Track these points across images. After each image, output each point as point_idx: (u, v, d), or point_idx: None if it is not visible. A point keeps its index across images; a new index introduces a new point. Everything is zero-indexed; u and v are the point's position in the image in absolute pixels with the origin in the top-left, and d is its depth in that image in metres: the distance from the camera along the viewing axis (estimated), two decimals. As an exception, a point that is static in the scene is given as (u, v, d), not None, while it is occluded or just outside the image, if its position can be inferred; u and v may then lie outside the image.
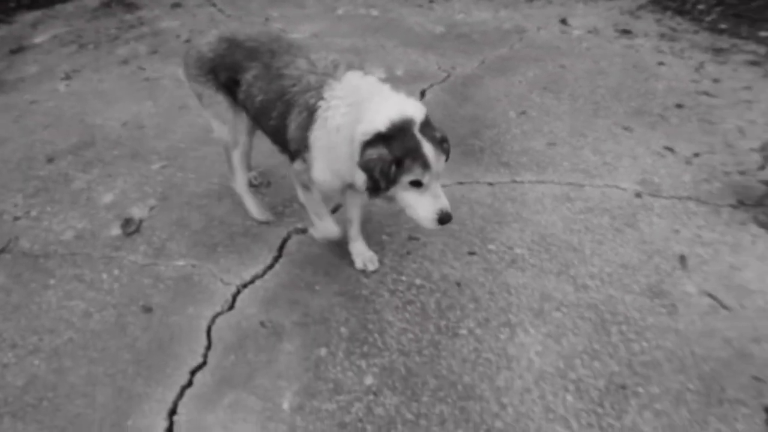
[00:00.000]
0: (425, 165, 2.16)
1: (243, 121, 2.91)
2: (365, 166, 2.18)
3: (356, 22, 6.09)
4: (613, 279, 2.88)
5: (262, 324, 2.65)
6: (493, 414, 2.29)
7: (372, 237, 3.11)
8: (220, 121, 2.93)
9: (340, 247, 3.04)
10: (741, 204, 3.42)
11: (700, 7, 6.96)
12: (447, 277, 2.88)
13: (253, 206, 3.21)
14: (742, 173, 3.68)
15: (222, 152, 3.10)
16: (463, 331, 2.62)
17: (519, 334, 2.61)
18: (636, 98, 4.53)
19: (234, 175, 3.12)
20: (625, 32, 5.98)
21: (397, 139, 2.15)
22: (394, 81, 3.50)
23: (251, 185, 3.42)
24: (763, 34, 6.13)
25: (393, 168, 2.15)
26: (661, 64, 5.17)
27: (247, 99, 2.68)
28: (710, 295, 2.81)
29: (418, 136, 2.16)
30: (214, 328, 2.65)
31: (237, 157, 3.05)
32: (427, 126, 2.21)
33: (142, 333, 2.65)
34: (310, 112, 2.39)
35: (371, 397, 2.35)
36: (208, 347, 2.57)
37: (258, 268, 2.95)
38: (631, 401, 2.34)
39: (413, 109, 2.21)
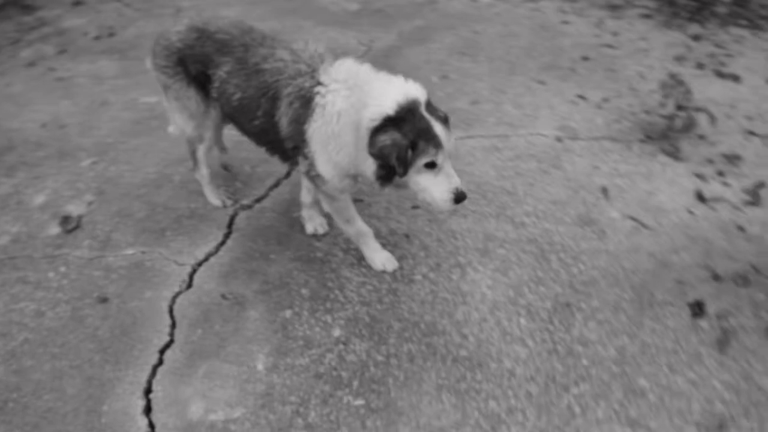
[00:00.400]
0: (438, 145, 2.09)
1: (212, 117, 2.78)
2: (379, 154, 2.09)
3: (271, 5, 6.09)
4: (546, 214, 3.13)
5: (223, 296, 2.70)
6: (457, 344, 2.46)
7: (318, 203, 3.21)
8: (186, 116, 2.79)
9: (287, 217, 3.12)
10: (648, 138, 3.76)
11: (592, -31, 7.40)
12: (395, 231, 3.03)
13: (212, 195, 3.20)
14: (646, 112, 4.04)
15: (169, 143, 3.08)
16: (418, 277, 2.78)
17: (469, 272, 2.79)
18: (546, 55, 4.83)
19: (198, 168, 3.09)
20: (529, -4, 6.31)
21: (407, 121, 2.07)
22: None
23: (226, 170, 3.40)
24: (650, -11, 6.62)
25: (410, 153, 2.06)
26: (565, 23, 5.51)
27: (221, 97, 2.55)
28: (632, 218, 3.11)
29: (427, 116, 2.10)
30: (175, 308, 2.67)
31: (202, 151, 2.98)
32: (430, 105, 2.16)
33: (102, 322, 2.63)
34: (305, 101, 2.26)
35: (341, 346, 2.46)
36: (173, 326, 2.59)
37: (210, 246, 2.98)
38: (577, 316, 2.58)
39: (416, 90, 2.15)
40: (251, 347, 2.47)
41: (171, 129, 3.08)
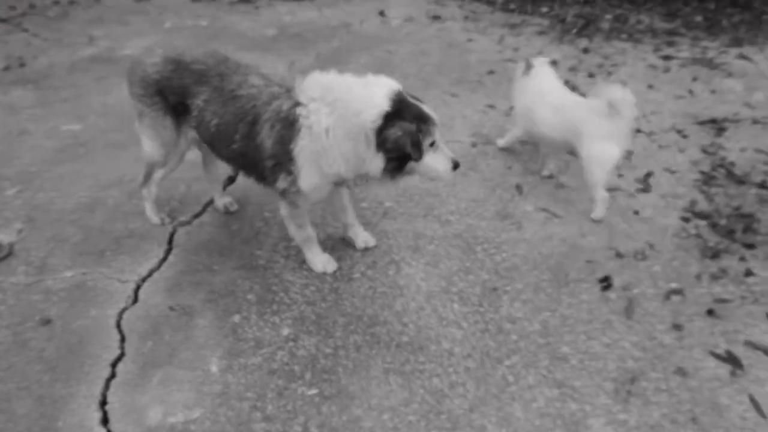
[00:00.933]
0: (434, 123, 2.30)
1: (181, 147, 2.88)
2: (395, 147, 2.22)
3: (187, 33, 6.17)
4: (468, 211, 3.42)
5: (171, 308, 2.78)
6: (399, 332, 2.67)
7: (256, 216, 3.36)
8: (158, 144, 2.85)
9: (227, 230, 3.24)
10: (553, 140, 4.17)
11: (491, -8, 8.00)
12: (332, 236, 3.21)
13: (152, 212, 3.24)
14: (549, 117, 4.46)
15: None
16: (357, 275, 2.97)
17: (404, 267, 3.02)
18: (456, 70, 5.22)
19: (147, 185, 3.13)
20: (436, 18, 6.73)
21: (404, 111, 2.23)
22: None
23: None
24: (544, 9, 7.25)
25: (421, 137, 2.23)
26: (470, 40, 5.95)
27: (200, 125, 2.63)
28: (544, 210, 3.46)
29: (413, 101, 2.28)
30: (123, 323, 2.72)
31: (160, 174, 3.05)
32: (406, 92, 2.34)
33: (47, 343, 2.64)
34: (288, 122, 2.36)
35: (291, 343, 2.61)
36: (122, 340, 2.64)
37: (152, 263, 3.04)
38: (503, 297, 2.86)
39: (392, 82, 2.32)
40: (203, 352, 2.57)
41: (145, 152, 3.07)
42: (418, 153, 2.28)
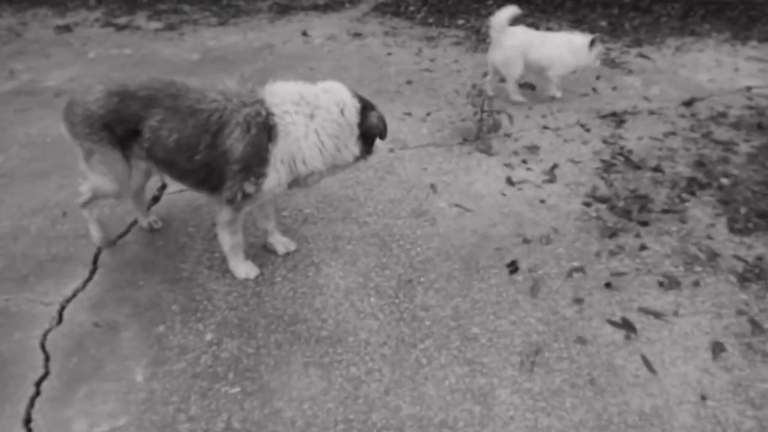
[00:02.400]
0: None
1: (136, 177, 2.95)
2: (376, 131, 2.80)
3: (111, 62, 6.21)
4: (385, 212, 3.60)
5: (95, 324, 2.83)
6: (318, 328, 2.80)
7: (180, 231, 3.44)
8: (111, 178, 2.88)
9: (151, 248, 3.31)
10: (465, 141, 4.43)
11: (411, 8, 8.34)
12: (254, 244, 3.33)
13: (96, 231, 3.23)
14: (462, 120, 4.73)
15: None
16: (278, 279, 3.10)
17: (323, 268, 3.17)
18: (375, 82, 5.44)
19: (89, 208, 3.16)
20: (357, 35, 6.98)
21: (364, 102, 2.78)
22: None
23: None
24: (460, 22, 7.61)
25: None
26: (389, 54, 6.21)
27: (155, 145, 2.70)
28: (456, 205, 3.68)
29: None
30: (47, 343, 2.75)
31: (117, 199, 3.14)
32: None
33: (-31, 370, 2.65)
34: (263, 127, 2.61)
35: (214, 347, 2.70)
36: (47, 359, 2.67)
37: (77, 283, 3.08)
38: (417, 288, 3.03)
39: (339, 83, 2.80)
40: (128, 363, 2.63)
41: (86, 188, 3.08)
42: (386, 132, 2.86)
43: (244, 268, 3.08)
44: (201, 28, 7.39)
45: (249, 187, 2.72)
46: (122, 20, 8.17)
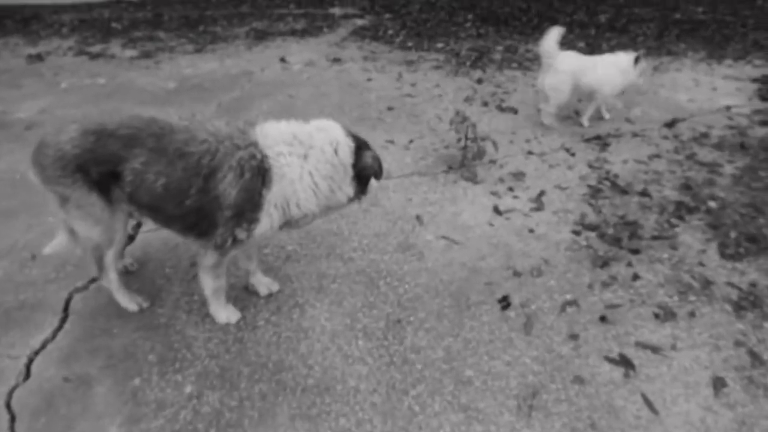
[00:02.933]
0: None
1: (119, 218, 2.73)
2: (371, 171, 2.67)
3: (84, 92, 6.05)
4: (371, 247, 3.48)
5: (66, 379, 2.65)
6: (304, 375, 2.66)
7: (156, 273, 3.28)
8: (91, 223, 2.68)
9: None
10: (450, 169, 4.34)
11: (390, 32, 8.32)
12: (235, 285, 3.18)
13: (126, 300, 3.05)
14: (446, 147, 4.64)
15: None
16: (261, 322, 2.95)
17: (308, 310, 3.03)
18: (356, 109, 5.35)
19: (106, 274, 2.93)
20: (336, 60, 6.91)
21: (359, 141, 2.66)
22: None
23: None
24: (439, 45, 7.59)
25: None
26: (369, 79, 6.13)
27: (139, 189, 2.53)
28: (444, 237, 3.57)
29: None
30: (13, 402, 2.56)
31: (111, 256, 2.85)
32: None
33: (-73, 436, 2.46)
34: (257, 170, 2.47)
35: (194, 401, 2.54)
36: (13, 419, 2.49)
37: (46, 333, 2.91)
38: (407, 328, 2.91)
39: (333, 122, 2.69)
40: (102, 422, 2.46)
41: (48, 250, 2.91)
42: (381, 170, 2.73)
43: (225, 313, 2.93)
44: (177, 55, 7.26)
45: (241, 234, 2.59)
46: (96, 48, 8.02)
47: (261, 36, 8.42)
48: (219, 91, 5.93)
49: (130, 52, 7.77)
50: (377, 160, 2.71)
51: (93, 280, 3.26)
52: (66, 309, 3.08)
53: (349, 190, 2.68)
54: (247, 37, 8.45)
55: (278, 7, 11.94)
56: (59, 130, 2.58)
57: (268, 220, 2.59)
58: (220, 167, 2.48)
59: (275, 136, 2.57)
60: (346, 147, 2.61)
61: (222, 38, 8.38)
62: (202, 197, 2.52)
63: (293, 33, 8.57)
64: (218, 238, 2.61)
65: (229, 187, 2.48)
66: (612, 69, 4.93)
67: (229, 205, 2.51)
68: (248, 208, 2.53)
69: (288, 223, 2.72)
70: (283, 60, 6.90)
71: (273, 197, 2.55)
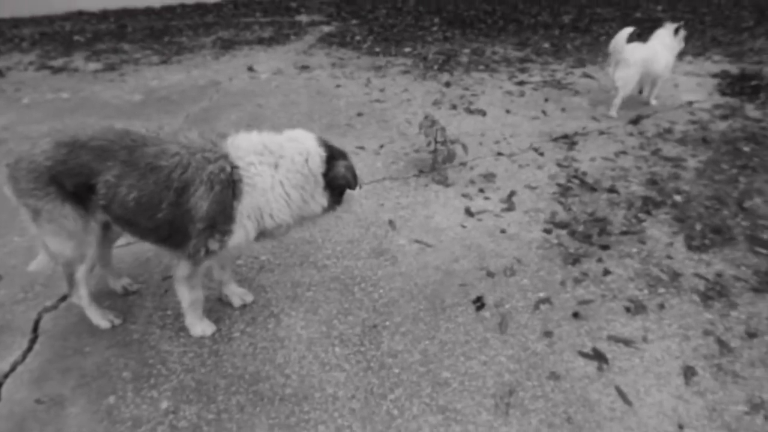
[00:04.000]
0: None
1: (93, 231, 2.68)
2: (344, 181, 2.62)
3: (47, 107, 5.94)
4: (344, 253, 3.48)
5: (38, 401, 2.59)
6: (282, 385, 2.64)
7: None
8: (64, 237, 2.63)
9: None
10: (421, 173, 4.36)
11: (357, 38, 8.34)
12: (209, 297, 3.15)
13: (97, 317, 2.99)
14: (416, 151, 4.67)
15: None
16: (237, 334, 2.93)
17: (283, 319, 3.01)
18: (326, 116, 5.35)
19: (77, 291, 2.87)
20: (304, 68, 6.90)
21: (333, 150, 2.61)
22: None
23: (127, 293, 3.23)
24: (406, 50, 7.63)
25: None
26: (338, 86, 6.14)
27: (112, 202, 2.51)
28: (417, 241, 3.59)
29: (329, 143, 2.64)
30: (-18, 428, 2.51)
31: (83, 272, 2.79)
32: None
33: None
34: (227, 183, 2.46)
35: (171, 416, 2.51)
36: (-18, 446, 2.44)
37: (15, 355, 2.84)
38: (383, 333, 2.91)
39: (307, 132, 2.64)
40: (75, 444, 2.42)
41: (33, 267, 2.87)
42: (355, 181, 2.67)
43: (200, 326, 2.90)
44: (142, 67, 7.18)
45: (213, 245, 2.58)
46: (58, 62, 7.88)
47: (228, 45, 8.38)
48: (186, 103, 5.88)
49: (93, 65, 7.65)
50: (350, 170, 2.67)
51: (63, 299, 3.20)
52: (35, 329, 3.01)
53: (323, 200, 2.66)
54: (214, 46, 8.39)
55: (244, 15, 11.90)
56: (33, 144, 2.58)
57: (242, 231, 2.58)
58: (191, 182, 2.47)
59: (246, 147, 2.56)
60: (317, 156, 2.58)
61: (188, 48, 8.31)
62: (174, 210, 2.51)
63: (260, 41, 8.54)
64: (191, 249, 2.59)
65: (200, 201, 2.48)
66: (666, 51, 5.34)
67: (201, 217, 2.50)
68: (220, 220, 2.52)
69: (263, 234, 2.71)
70: (250, 69, 6.87)
71: (245, 208, 2.54)
